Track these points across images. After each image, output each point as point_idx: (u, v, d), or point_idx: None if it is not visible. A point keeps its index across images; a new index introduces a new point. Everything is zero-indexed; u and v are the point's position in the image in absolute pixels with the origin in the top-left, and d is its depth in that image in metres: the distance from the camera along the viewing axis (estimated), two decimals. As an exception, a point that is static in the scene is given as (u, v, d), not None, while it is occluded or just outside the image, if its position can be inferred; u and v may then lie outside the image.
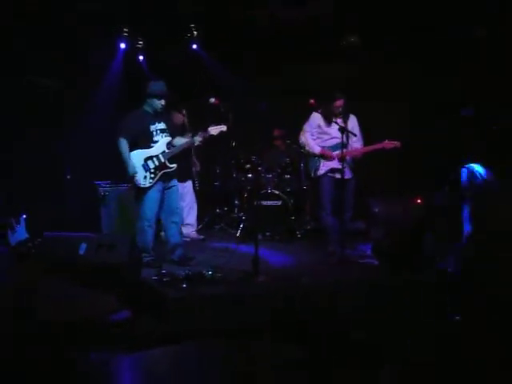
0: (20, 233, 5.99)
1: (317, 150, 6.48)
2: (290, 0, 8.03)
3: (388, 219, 6.66)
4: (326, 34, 8.32)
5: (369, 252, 6.56)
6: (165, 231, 6.41)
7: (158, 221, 6.34)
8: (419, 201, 7.12)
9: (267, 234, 7.70)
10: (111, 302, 3.88)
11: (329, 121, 6.49)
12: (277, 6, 8.15)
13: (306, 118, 6.58)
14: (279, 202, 7.80)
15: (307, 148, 6.47)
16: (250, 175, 8.25)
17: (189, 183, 7.86)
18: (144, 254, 6.01)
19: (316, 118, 6.54)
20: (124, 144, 6.02)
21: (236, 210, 8.42)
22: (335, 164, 6.44)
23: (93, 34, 7.94)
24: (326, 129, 6.52)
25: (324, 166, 6.48)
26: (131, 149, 6.04)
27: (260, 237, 6.17)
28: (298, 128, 6.72)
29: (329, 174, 6.48)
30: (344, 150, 6.25)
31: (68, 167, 7.51)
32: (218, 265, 6.03)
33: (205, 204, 8.47)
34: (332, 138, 6.52)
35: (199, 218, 8.27)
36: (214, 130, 6.10)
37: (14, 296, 3.64)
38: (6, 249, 5.60)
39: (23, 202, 6.26)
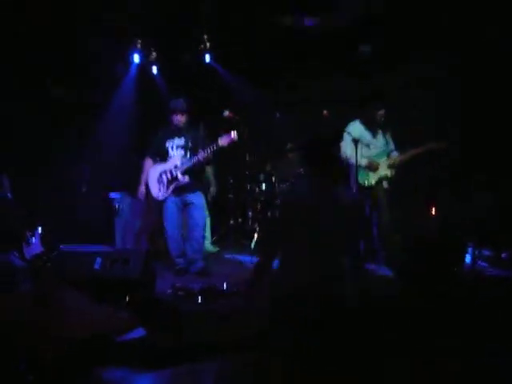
0: (35, 246, 6.00)
1: (363, 162, 6.48)
2: (304, 12, 8.01)
3: (404, 231, 6.60)
4: (341, 45, 8.27)
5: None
6: (186, 244, 6.50)
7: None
8: (433, 210, 7.08)
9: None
10: (126, 320, 3.87)
11: (372, 130, 6.57)
12: (291, 18, 8.16)
13: (319, 128, 6.56)
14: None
15: (352, 160, 6.25)
16: (263, 187, 8.25)
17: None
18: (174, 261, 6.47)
19: (356, 127, 6.56)
20: (145, 164, 6.53)
21: (250, 221, 8.39)
22: (386, 172, 6.58)
23: (106, 47, 8.00)
24: (369, 138, 6.55)
25: (375, 175, 6.56)
26: (154, 164, 6.50)
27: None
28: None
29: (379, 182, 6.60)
30: (394, 156, 6.54)
31: (83, 180, 7.52)
32: (233, 278, 6.03)
33: (219, 216, 8.47)
34: (377, 148, 6.59)
35: (214, 230, 8.28)
36: (224, 140, 6.10)
37: (29, 310, 3.64)
38: (21, 262, 5.60)
39: (38, 215, 6.26)
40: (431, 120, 7.79)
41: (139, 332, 3.72)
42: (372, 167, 6.51)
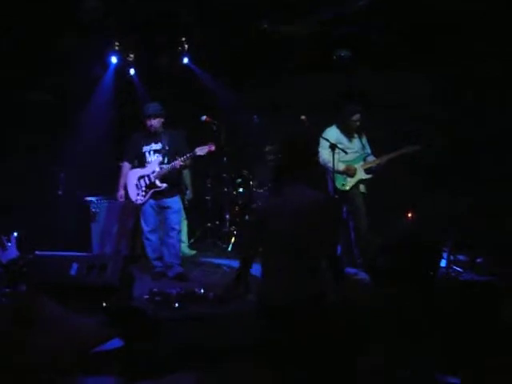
0: (11, 251, 5.94)
1: (341, 167, 6.52)
2: (280, 17, 8.04)
3: (380, 235, 6.65)
4: (318, 47, 8.30)
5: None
6: (163, 248, 6.49)
7: None
8: (410, 215, 7.15)
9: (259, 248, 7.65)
10: (103, 330, 3.86)
11: (348, 134, 6.64)
12: (268, 21, 8.18)
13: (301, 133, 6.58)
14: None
15: (329, 165, 6.29)
16: (241, 190, 8.27)
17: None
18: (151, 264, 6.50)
19: (333, 132, 6.61)
20: (122, 167, 6.52)
21: (227, 224, 8.39)
22: (363, 175, 6.65)
23: (83, 48, 7.94)
24: (346, 143, 6.58)
25: (352, 179, 6.63)
26: (132, 168, 6.49)
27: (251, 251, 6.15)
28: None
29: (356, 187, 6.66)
30: (370, 160, 6.63)
31: (59, 183, 7.45)
32: (211, 282, 6.04)
33: (196, 218, 8.46)
34: (354, 152, 6.64)
35: (191, 233, 8.27)
36: (202, 151, 6.17)
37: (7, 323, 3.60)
38: (-1, 268, 5.55)
39: (14, 220, 6.20)
40: (407, 124, 7.83)
41: (116, 342, 3.70)
42: (349, 172, 6.58)
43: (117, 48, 8.56)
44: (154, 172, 6.31)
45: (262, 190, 8.06)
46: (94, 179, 7.67)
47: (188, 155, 6.18)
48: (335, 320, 3.80)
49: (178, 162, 6.21)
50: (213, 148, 6.19)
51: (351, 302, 5.25)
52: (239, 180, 8.30)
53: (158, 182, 6.29)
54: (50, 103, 7.97)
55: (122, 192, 6.45)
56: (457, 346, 4.10)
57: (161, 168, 6.31)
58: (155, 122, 6.31)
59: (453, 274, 6.12)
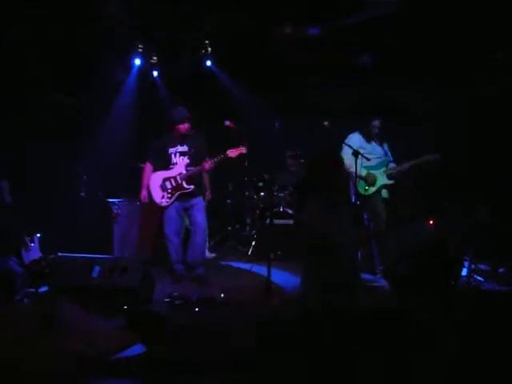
0: (34, 252, 6.01)
1: (364, 173, 6.57)
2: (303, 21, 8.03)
3: (401, 242, 6.61)
4: (342, 55, 8.26)
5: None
6: (188, 249, 6.51)
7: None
8: (432, 222, 7.09)
9: (279, 253, 7.66)
10: (126, 336, 3.88)
11: (370, 141, 6.70)
12: (290, 24, 8.17)
13: (320, 138, 6.59)
14: (291, 221, 7.79)
15: (352, 170, 6.19)
16: (262, 193, 8.27)
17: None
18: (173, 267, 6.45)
19: (356, 139, 6.65)
20: (145, 168, 6.51)
21: (248, 228, 8.40)
22: (385, 181, 6.68)
23: (107, 50, 8.01)
24: (368, 149, 6.60)
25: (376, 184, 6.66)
26: (155, 169, 6.45)
27: (271, 256, 6.18)
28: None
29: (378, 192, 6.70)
30: (392, 166, 6.68)
31: (82, 184, 7.51)
32: (231, 286, 6.05)
33: (216, 221, 8.47)
34: (376, 158, 6.65)
35: (209, 236, 8.28)
36: (233, 153, 6.20)
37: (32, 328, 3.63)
38: (21, 269, 5.60)
39: (37, 221, 6.26)
40: (432, 132, 7.79)
41: (139, 348, 3.72)
42: (369, 180, 6.57)
43: (140, 50, 8.61)
44: (180, 174, 6.32)
45: (282, 194, 8.06)
46: (116, 181, 7.74)
47: (219, 157, 6.20)
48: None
49: (209, 164, 6.23)
50: (244, 151, 6.23)
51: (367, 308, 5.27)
52: (260, 184, 8.29)
53: (185, 184, 6.30)
54: (73, 105, 8.03)
55: (145, 193, 6.45)
56: (474, 357, 4.06)
57: (187, 170, 6.33)
58: (186, 126, 6.34)
59: (474, 284, 6.06)
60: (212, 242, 8.39)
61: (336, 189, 4.16)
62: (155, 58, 8.88)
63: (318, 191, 4.06)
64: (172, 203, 6.35)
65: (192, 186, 6.33)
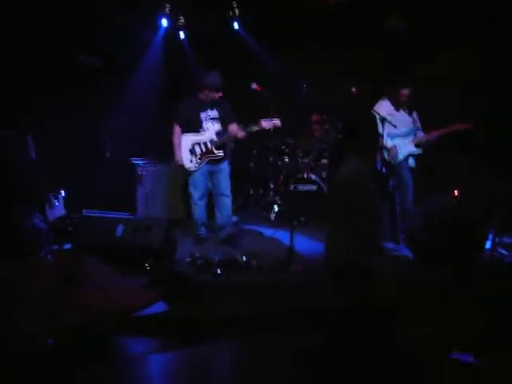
0: (58, 209, 6.04)
1: (389, 144, 6.49)
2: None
3: (426, 211, 6.55)
4: (370, 18, 8.08)
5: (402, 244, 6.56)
6: (215, 210, 6.58)
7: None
8: (457, 193, 7.00)
9: (302, 219, 7.64)
10: (148, 293, 3.91)
11: (399, 108, 6.62)
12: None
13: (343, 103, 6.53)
14: (314, 187, 7.74)
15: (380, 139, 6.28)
16: (286, 159, 8.21)
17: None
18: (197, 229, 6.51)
19: (384, 106, 6.56)
20: (176, 130, 6.38)
21: (271, 193, 8.37)
22: (413, 149, 6.64)
23: (134, 11, 7.94)
24: (397, 116, 6.54)
25: (402, 152, 6.61)
26: (183, 132, 6.36)
27: (294, 222, 6.17)
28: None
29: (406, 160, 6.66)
30: (420, 135, 6.66)
31: (107, 144, 7.52)
32: (253, 250, 6.06)
33: (239, 185, 8.43)
34: (404, 126, 6.59)
35: (233, 199, 8.27)
36: (268, 124, 6.12)
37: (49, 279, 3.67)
38: (45, 225, 5.64)
39: (62, 178, 6.28)
40: (457, 101, 7.63)
41: (161, 306, 3.75)
42: (391, 153, 6.50)
43: (167, 11, 8.52)
44: (212, 140, 6.30)
45: (307, 160, 7.99)
46: (141, 143, 7.74)
47: (252, 127, 6.13)
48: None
49: (242, 134, 6.20)
50: (279, 124, 6.13)
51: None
52: (285, 149, 8.23)
53: (215, 150, 6.30)
54: (100, 66, 8.00)
55: (180, 154, 6.36)
56: (495, 328, 4.03)
57: (218, 136, 6.31)
58: (219, 93, 6.27)
59: (497, 257, 5.98)
60: (234, 205, 8.37)
61: (373, 148, 4.17)
62: (182, 19, 8.78)
63: (355, 151, 4.05)
64: (200, 167, 6.34)
65: (222, 153, 6.32)
